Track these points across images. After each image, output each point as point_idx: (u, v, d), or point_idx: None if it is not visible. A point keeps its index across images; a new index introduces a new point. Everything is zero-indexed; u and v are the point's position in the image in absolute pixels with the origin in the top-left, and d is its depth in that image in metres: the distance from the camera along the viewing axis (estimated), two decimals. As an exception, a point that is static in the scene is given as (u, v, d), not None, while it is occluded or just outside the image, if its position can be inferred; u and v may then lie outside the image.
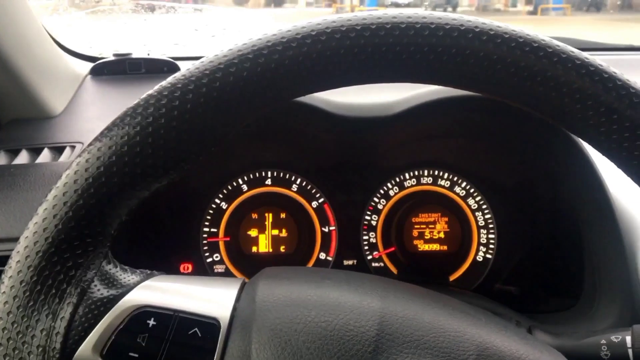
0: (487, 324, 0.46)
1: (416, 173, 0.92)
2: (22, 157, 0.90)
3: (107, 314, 0.44)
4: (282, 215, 0.91)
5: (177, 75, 0.43)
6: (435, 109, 0.75)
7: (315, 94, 0.75)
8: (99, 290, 0.45)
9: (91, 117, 1.07)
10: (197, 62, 0.44)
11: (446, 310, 0.46)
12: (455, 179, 0.91)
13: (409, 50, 0.41)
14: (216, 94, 0.42)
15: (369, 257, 0.92)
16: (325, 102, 0.76)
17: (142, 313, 0.44)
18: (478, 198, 0.91)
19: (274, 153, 0.91)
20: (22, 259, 0.43)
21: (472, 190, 0.91)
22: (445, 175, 0.91)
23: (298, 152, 0.90)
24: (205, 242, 0.91)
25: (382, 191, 0.92)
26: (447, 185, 0.92)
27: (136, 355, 0.43)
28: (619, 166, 0.43)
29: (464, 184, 0.91)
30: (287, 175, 0.91)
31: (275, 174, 0.91)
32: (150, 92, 0.43)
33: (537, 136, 0.81)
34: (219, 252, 0.91)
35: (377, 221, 0.91)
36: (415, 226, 0.92)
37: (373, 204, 0.92)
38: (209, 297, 0.46)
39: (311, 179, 0.91)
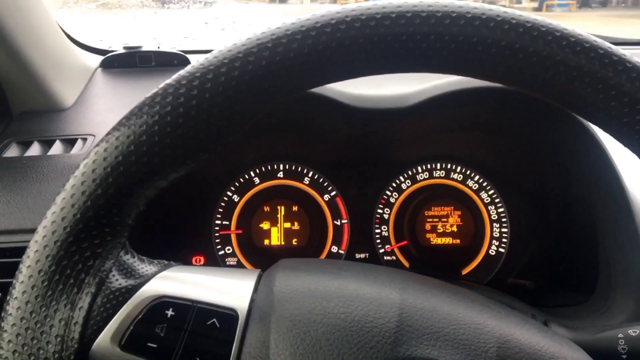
0: (506, 317, 0.46)
1: (429, 166, 0.91)
2: (34, 149, 0.89)
3: (126, 304, 0.44)
4: (295, 208, 0.91)
5: (196, 64, 0.43)
6: (451, 101, 0.74)
7: (330, 85, 0.75)
8: (117, 280, 0.45)
9: (102, 109, 1.06)
10: (215, 51, 0.43)
11: (465, 302, 0.46)
12: (468, 172, 0.91)
13: (429, 39, 0.41)
14: (235, 82, 0.42)
15: (381, 251, 0.91)
16: (339, 93, 0.76)
17: (161, 303, 0.44)
18: (491, 192, 0.90)
19: (286, 146, 0.90)
20: (41, 248, 0.43)
21: (485, 184, 0.91)
22: (458, 169, 0.91)
23: (310, 145, 0.90)
24: (217, 234, 0.91)
25: (394, 184, 0.91)
26: (460, 179, 0.91)
27: (154, 346, 0.43)
28: None
29: (476, 178, 0.91)
30: (299, 168, 0.91)
31: (287, 166, 0.91)
32: (168, 81, 0.43)
33: (552, 129, 0.80)
34: (231, 245, 0.91)
35: (390, 214, 0.91)
36: (428, 220, 0.92)
37: (385, 197, 0.91)
38: (227, 288, 0.45)
39: (323, 172, 0.91)
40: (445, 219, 0.91)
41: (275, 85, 0.43)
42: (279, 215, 0.91)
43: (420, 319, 0.43)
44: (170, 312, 0.44)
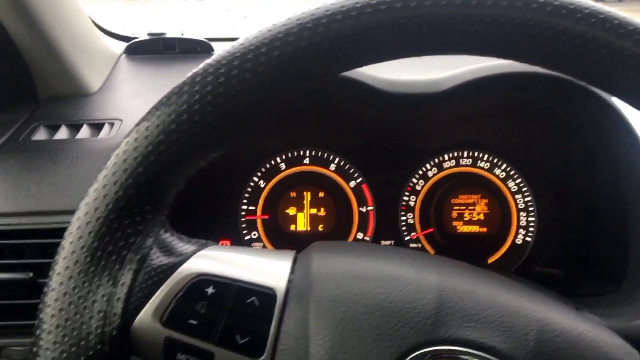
0: (544, 301, 0.45)
1: (455, 154, 0.91)
2: (62, 133, 0.90)
3: (167, 281, 0.44)
4: (321, 194, 0.91)
5: (236, 44, 0.43)
6: (485, 86, 0.74)
7: (361, 69, 0.75)
8: (157, 257, 0.45)
9: (127, 95, 1.07)
10: (254, 32, 0.43)
11: (502, 286, 0.46)
12: (495, 160, 0.90)
13: (471, 21, 0.40)
14: (275, 63, 0.42)
15: (407, 238, 0.91)
16: (372, 78, 0.75)
17: (201, 281, 0.44)
18: (518, 180, 0.90)
19: (312, 132, 0.90)
20: (83, 225, 0.43)
21: (512, 172, 0.90)
22: (485, 157, 0.90)
23: (337, 131, 0.90)
24: (243, 219, 0.91)
25: (420, 172, 0.91)
26: (487, 167, 0.90)
27: (195, 323, 0.43)
28: None
29: (503, 166, 0.90)
30: (325, 155, 0.91)
31: (313, 153, 0.91)
32: (208, 61, 0.43)
33: (582, 116, 0.79)
34: (257, 230, 0.91)
35: (415, 202, 0.91)
36: (455, 207, 0.91)
37: (411, 184, 0.91)
38: (264, 268, 0.46)
39: (349, 158, 0.91)
40: (472, 207, 0.91)
41: (314, 66, 0.42)
42: (305, 201, 0.91)
43: (460, 301, 0.43)
44: (210, 290, 0.44)
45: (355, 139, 0.90)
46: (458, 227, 0.91)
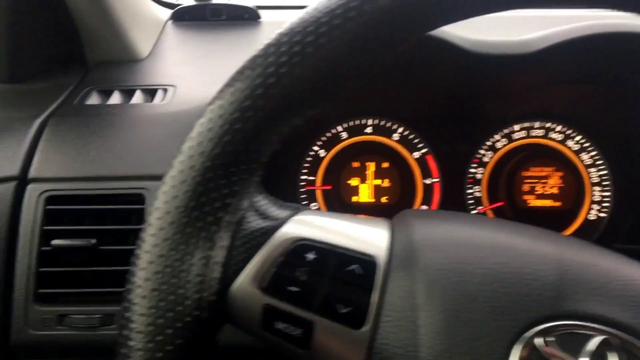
0: None
1: (526, 125, 0.86)
2: (115, 98, 0.87)
3: (265, 245, 0.41)
4: (385, 165, 0.87)
5: (309, 9, 0.39)
6: (575, 48, 0.69)
7: (448, 29, 0.70)
8: (254, 220, 0.42)
9: (178, 61, 1.04)
10: None
11: (619, 258, 0.42)
12: (569, 132, 0.85)
13: None
14: (356, 24, 0.38)
15: (474, 212, 0.87)
16: (460, 38, 0.70)
17: (301, 246, 0.41)
18: (593, 153, 0.85)
19: (376, 100, 0.86)
20: (178, 183, 0.40)
21: (586, 145, 0.85)
22: (558, 128, 0.85)
23: (402, 99, 0.85)
24: (302, 189, 0.88)
25: (488, 143, 0.86)
26: (560, 139, 0.86)
27: (296, 290, 0.40)
28: None
29: (577, 138, 0.85)
30: (389, 124, 0.87)
31: (376, 121, 0.87)
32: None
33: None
34: (317, 201, 0.87)
35: (483, 174, 0.86)
36: (526, 180, 0.87)
37: (478, 156, 0.87)
38: (362, 235, 0.42)
39: (414, 128, 0.86)
40: (545, 181, 0.86)
41: (397, 26, 0.39)
42: (368, 172, 0.87)
43: (582, 274, 0.39)
44: (310, 256, 0.41)
45: (421, 107, 0.85)
46: (529, 201, 0.87)
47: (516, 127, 0.86)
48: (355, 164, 0.87)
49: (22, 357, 0.70)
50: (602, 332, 0.36)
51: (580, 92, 0.84)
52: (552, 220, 0.86)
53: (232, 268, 0.41)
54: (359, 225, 0.43)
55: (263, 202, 0.44)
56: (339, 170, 0.87)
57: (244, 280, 0.41)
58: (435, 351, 0.36)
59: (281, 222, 0.42)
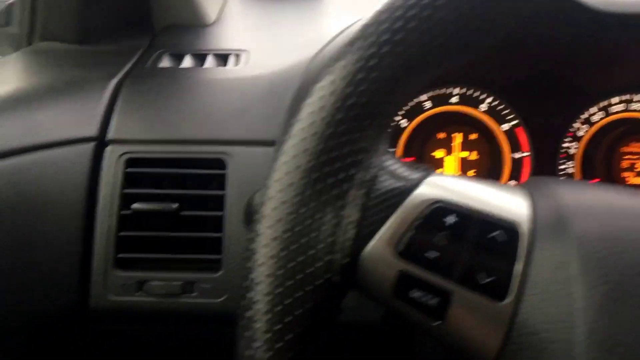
0: None
1: (625, 98, 0.80)
2: (187, 62, 0.84)
3: (402, 206, 0.38)
4: (473, 137, 0.82)
5: None
6: None
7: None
8: (386, 180, 0.39)
9: (247, 27, 1.00)
10: None
11: None
12: (674, 105, 0.79)
13: None
14: None
15: (567, 189, 0.82)
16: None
17: (440, 209, 0.37)
18: (700, 129, 0.79)
19: (463, 66, 0.81)
20: (308, 136, 0.36)
21: (693, 119, 0.79)
22: (661, 101, 0.79)
23: (491, 65, 0.80)
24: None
25: (584, 116, 0.80)
26: (663, 113, 0.79)
27: (434, 256, 0.36)
28: None
29: (683, 112, 0.79)
30: (476, 93, 0.81)
31: (462, 90, 0.82)
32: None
33: None
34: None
35: (577, 149, 0.81)
36: (625, 157, 0.81)
37: (572, 130, 0.81)
38: (501, 200, 0.38)
39: (503, 98, 0.81)
40: (646, 158, 0.80)
41: None
42: (454, 144, 0.82)
43: None
44: (450, 219, 0.37)
45: (513, 75, 0.80)
46: (628, 179, 0.81)
47: (614, 100, 0.80)
48: (441, 135, 0.82)
49: (101, 322, 0.68)
50: None
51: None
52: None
53: (366, 229, 0.37)
54: (495, 190, 0.39)
55: (392, 161, 0.40)
56: (422, 142, 0.82)
57: (379, 242, 0.37)
58: (598, 326, 0.32)
59: (415, 183, 0.39)
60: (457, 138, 0.82)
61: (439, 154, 0.82)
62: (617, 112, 0.80)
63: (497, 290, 0.35)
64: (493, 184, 0.40)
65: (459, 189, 0.38)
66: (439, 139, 0.82)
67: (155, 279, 0.66)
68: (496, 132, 0.81)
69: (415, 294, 0.37)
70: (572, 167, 0.81)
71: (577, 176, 0.81)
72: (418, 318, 0.37)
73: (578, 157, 0.81)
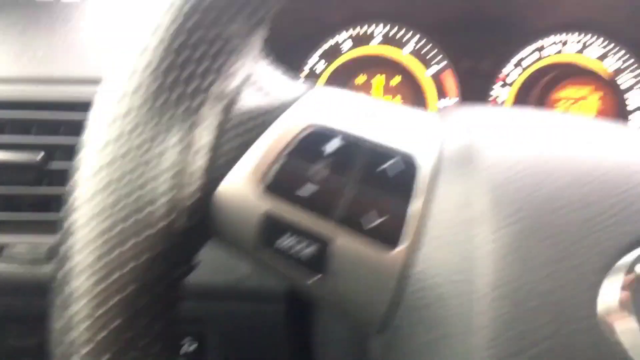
0: None
1: (560, 39, 0.74)
2: None
3: (269, 129, 0.29)
4: (395, 81, 0.74)
5: None
6: None
7: None
8: (254, 95, 0.30)
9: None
10: None
11: None
12: (610, 46, 0.73)
13: None
14: None
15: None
16: None
17: (319, 134, 0.29)
18: (638, 72, 0.73)
19: (385, 1, 0.73)
20: (156, 41, 0.27)
21: (630, 62, 0.73)
22: (598, 42, 0.73)
23: (416, 1, 0.72)
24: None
25: (514, 60, 0.74)
26: (598, 55, 0.73)
27: (310, 192, 0.28)
28: None
29: (620, 54, 0.73)
30: (401, 32, 0.74)
31: (384, 29, 0.74)
32: None
33: None
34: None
35: (508, 96, 0.74)
36: (559, 103, 0.75)
37: (503, 74, 0.74)
38: (399, 127, 0.30)
39: (429, 39, 0.73)
40: (581, 103, 0.75)
41: None
42: (374, 89, 0.74)
43: None
44: (331, 147, 0.29)
45: (442, 12, 0.73)
46: (561, 127, 0.75)
47: (548, 42, 0.74)
48: (360, 79, 0.74)
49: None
50: None
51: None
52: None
53: (223, 158, 0.28)
54: (396, 116, 0.31)
55: (267, 72, 0.31)
56: (340, 86, 0.74)
57: (239, 175, 0.29)
58: (504, 275, 0.25)
59: (291, 101, 0.30)
60: (378, 82, 0.74)
61: (357, 99, 0.75)
62: (550, 55, 0.74)
63: (389, 235, 0.27)
64: (395, 106, 0.32)
65: (347, 111, 0.30)
66: (357, 84, 0.74)
67: (17, 243, 0.56)
68: (420, 77, 0.74)
69: (287, 240, 0.28)
70: (503, 114, 0.75)
71: (508, 125, 0.75)
72: (291, 273, 0.29)
73: (510, 104, 0.75)
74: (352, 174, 0.28)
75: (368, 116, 0.30)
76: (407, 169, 0.28)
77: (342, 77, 0.75)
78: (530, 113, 0.33)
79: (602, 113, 0.75)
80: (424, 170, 0.28)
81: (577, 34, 0.73)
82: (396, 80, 0.74)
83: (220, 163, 0.28)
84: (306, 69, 0.75)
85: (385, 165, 0.28)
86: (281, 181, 0.28)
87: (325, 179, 0.28)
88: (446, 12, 0.73)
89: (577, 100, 0.75)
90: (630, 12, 0.73)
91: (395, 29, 0.74)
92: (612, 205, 0.26)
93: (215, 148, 0.28)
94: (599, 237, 0.25)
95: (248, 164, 0.28)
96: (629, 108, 0.74)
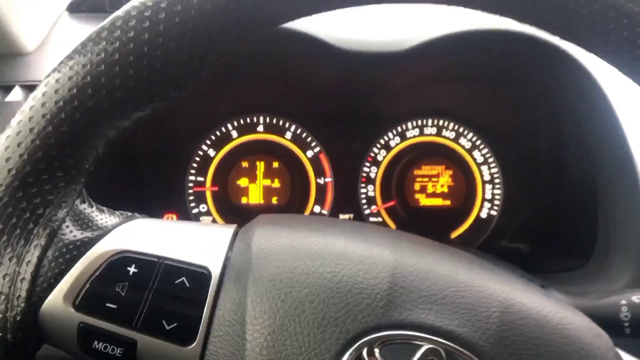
0: (508, 280, 0.40)
1: (419, 123, 0.85)
2: None
3: (81, 259, 0.38)
4: (275, 165, 0.85)
5: None
6: (450, 45, 0.68)
7: (317, 25, 0.68)
8: (71, 232, 0.39)
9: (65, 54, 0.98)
10: None
11: (464, 264, 0.41)
12: (461, 129, 0.85)
13: None
14: (209, 7, 0.35)
15: (367, 212, 0.86)
16: (327, 34, 0.68)
17: (122, 259, 0.38)
18: (484, 151, 0.85)
19: (267, 96, 0.84)
20: None
21: (478, 142, 0.85)
22: (450, 126, 0.85)
23: (293, 96, 0.83)
24: (190, 191, 0.84)
25: (382, 141, 0.85)
26: (452, 137, 0.85)
27: (114, 306, 0.37)
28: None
29: (469, 135, 0.85)
30: (281, 122, 0.84)
31: (267, 119, 0.84)
32: (132, 3, 0.36)
33: (552, 79, 0.74)
34: (206, 203, 0.84)
35: (377, 173, 0.85)
36: (417, 179, 0.86)
37: (372, 154, 0.85)
38: (198, 244, 0.39)
39: (306, 126, 0.84)
40: (436, 179, 0.86)
41: (252, 14, 0.36)
42: (258, 172, 0.85)
43: (416, 281, 0.37)
44: (132, 269, 0.38)
45: (313, 105, 0.83)
46: (420, 200, 0.86)
47: (409, 125, 0.85)
48: (245, 164, 0.84)
49: None
50: (428, 341, 0.35)
51: (470, 89, 0.83)
52: (443, 219, 0.86)
53: (42, 285, 0.37)
54: (197, 234, 0.40)
55: (87, 210, 0.40)
56: (228, 171, 0.84)
57: (56, 297, 0.37)
58: None
59: (104, 233, 0.39)
60: (260, 166, 0.84)
61: (243, 182, 0.84)
62: (412, 137, 0.86)
63: (184, 335, 0.36)
64: (203, 226, 0.42)
65: (153, 235, 0.40)
66: (243, 167, 0.84)
67: None
68: (302, 158, 0.85)
69: (99, 345, 0.37)
70: (373, 190, 0.85)
71: (378, 199, 0.86)
72: None
73: (378, 181, 0.85)
74: (149, 289, 0.37)
75: (174, 238, 0.40)
76: (200, 281, 0.37)
77: (231, 161, 0.85)
78: (309, 221, 0.43)
79: (453, 188, 0.86)
80: (214, 281, 0.38)
81: (432, 119, 0.85)
82: (275, 164, 0.85)
83: (39, 290, 0.37)
84: (200, 154, 0.84)
85: (180, 279, 0.38)
86: (89, 300, 0.37)
87: (124, 296, 0.37)
88: (318, 105, 0.83)
89: (432, 177, 0.86)
90: (477, 101, 0.85)
91: (275, 119, 0.84)
92: (342, 308, 0.35)
93: (35, 279, 0.37)
94: (331, 332, 0.34)
95: (63, 288, 0.37)
96: (483, 179, 0.86)
